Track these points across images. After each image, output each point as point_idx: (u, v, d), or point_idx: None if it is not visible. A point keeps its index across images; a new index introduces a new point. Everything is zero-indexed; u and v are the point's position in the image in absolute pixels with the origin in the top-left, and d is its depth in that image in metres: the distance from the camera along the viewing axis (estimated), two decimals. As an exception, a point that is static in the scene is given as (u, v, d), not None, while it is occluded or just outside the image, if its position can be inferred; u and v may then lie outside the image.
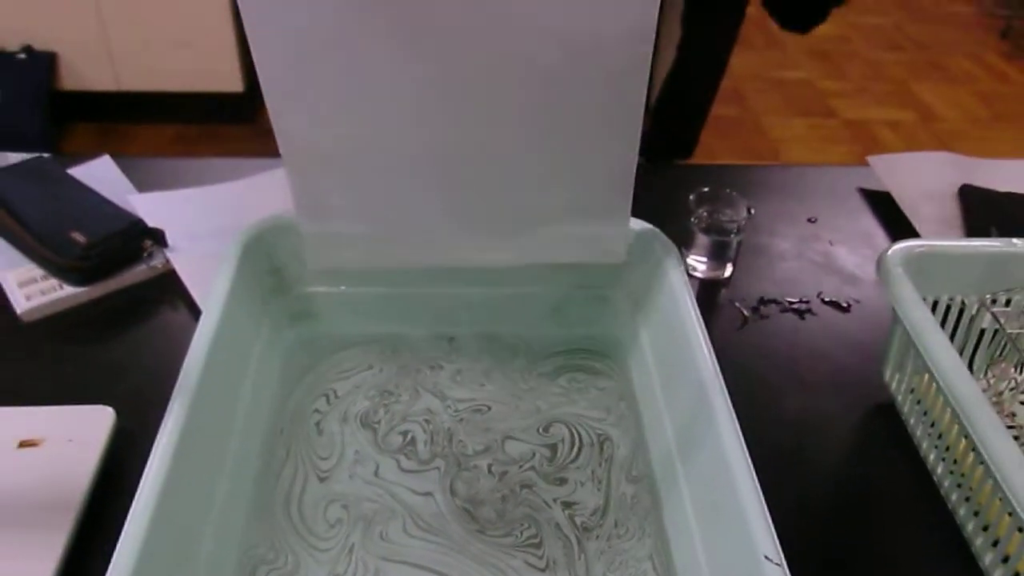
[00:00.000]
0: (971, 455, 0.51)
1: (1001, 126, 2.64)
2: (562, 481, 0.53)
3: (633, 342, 0.60)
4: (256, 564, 0.47)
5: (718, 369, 0.48)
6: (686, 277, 0.55)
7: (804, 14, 0.66)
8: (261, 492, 0.51)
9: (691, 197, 0.72)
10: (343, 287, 0.61)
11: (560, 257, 0.58)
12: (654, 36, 0.44)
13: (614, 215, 0.56)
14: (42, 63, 2.27)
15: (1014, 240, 0.59)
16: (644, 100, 0.48)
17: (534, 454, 0.55)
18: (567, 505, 0.51)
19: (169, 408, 0.45)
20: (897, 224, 0.80)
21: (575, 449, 0.55)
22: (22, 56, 2.26)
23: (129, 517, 0.40)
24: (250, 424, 0.53)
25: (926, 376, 0.55)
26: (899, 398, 0.60)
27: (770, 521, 0.39)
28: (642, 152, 0.52)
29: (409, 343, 0.62)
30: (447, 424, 0.57)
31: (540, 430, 0.56)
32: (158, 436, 0.43)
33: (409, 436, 0.56)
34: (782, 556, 0.38)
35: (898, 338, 0.58)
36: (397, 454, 0.55)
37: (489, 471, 0.53)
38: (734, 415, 0.45)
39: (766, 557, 0.38)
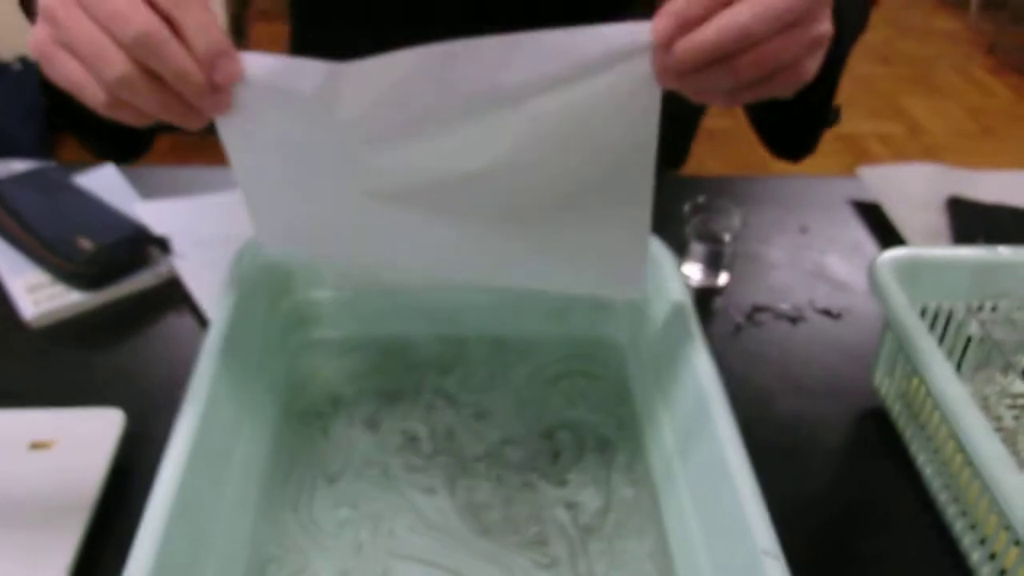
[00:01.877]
0: (959, 456, 0.52)
1: (987, 139, 2.68)
2: (564, 483, 0.54)
3: (633, 347, 0.61)
4: (266, 562, 0.48)
5: (716, 373, 0.49)
6: (684, 284, 0.56)
7: (795, 147, 0.66)
8: (269, 494, 0.52)
9: (686, 207, 0.74)
10: (348, 292, 0.63)
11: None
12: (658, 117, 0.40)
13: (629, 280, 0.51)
14: (37, 73, 2.27)
15: (1000, 248, 0.61)
16: (653, 178, 0.43)
17: (536, 456, 0.56)
18: (570, 506, 0.53)
19: (182, 411, 0.45)
20: (886, 234, 0.82)
21: (577, 451, 0.56)
22: (17, 66, 2.26)
23: (145, 516, 0.40)
24: (258, 427, 0.54)
25: (915, 380, 0.57)
26: (889, 402, 0.61)
27: (768, 517, 0.41)
28: None
29: (414, 347, 0.64)
30: (452, 426, 0.58)
31: (542, 434, 0.58)
32: (172, 438, 0.44)
33: (413, 435, 0.57)
34: (780, 550, 0.39)
35: (888, 344, 0.60)
36: (403, 452, 0.56)
37: (492, 475, 0.55)
38: (732, 416, 0.46)
39: (765, 552, 0.39)
